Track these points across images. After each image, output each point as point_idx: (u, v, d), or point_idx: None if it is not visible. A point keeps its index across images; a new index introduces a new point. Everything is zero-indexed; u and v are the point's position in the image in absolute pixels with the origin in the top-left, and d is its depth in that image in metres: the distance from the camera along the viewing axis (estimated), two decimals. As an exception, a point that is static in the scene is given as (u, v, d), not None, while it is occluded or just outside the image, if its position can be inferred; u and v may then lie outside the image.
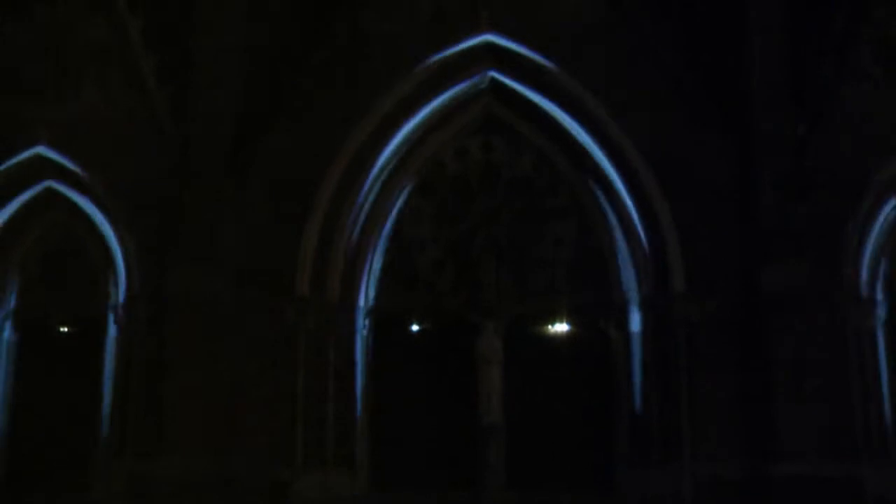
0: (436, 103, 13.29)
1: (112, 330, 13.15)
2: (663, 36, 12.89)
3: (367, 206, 13.37)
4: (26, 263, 13.88)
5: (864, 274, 12.77)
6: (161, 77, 12.97)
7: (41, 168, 13.43)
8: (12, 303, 13.85)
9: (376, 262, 13.54)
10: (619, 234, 13.19)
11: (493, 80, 13.39)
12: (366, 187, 13.28)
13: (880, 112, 12.66)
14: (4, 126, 13.21)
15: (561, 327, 13.45)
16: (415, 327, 13.58)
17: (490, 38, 13.02)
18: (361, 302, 13.38)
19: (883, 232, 12.96)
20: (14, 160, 13.33)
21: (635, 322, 12.99)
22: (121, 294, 13.10)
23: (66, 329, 13.76)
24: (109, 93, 13.13)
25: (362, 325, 13.35)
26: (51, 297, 13.70)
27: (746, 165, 12.50)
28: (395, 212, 13.64)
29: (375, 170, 13.27)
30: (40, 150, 13.23)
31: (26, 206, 13.73)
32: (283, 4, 13.41)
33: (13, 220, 13.74)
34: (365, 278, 13.43)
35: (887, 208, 12.90)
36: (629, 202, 13.00)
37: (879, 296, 12.92)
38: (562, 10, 12.98)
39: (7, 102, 13.28)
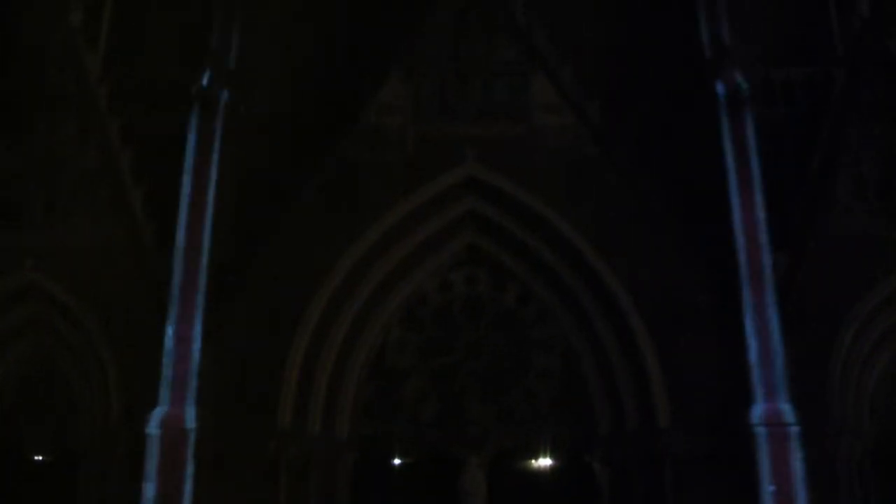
0: (420, 236, 13.37)
1: (88, 461, 12.84)
2: (646, 174, 13.12)
3: (350, 338, 13.29)
4: (3, 389, 13.60)
5: (850, 405, 12.72)
6: (148, 209, 13.11)
7: (26, 293, 13.35)
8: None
9: (359, 393, 13.38)
10: (602, 368, 13.13)
11: (477, 214, 13.51)
12: (349, 319, 13.24)
13: (859, 244, 12.84)
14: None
15: (545, 461, 13.27)
16: (397, 459, 13.35)
17: (474, 172, 13.21)
18: (344, 434, 13.18)
19: (866, 363, 12.97)
20: (0, 285, 13.26)
21: (620, 456, 12.84)
22: (100, 425, 12.84)
23: (40, 458, 13.41)
24: (97, 222, 13.16)
25: (344, 456, 13.14)
26: (27, 424, 13.39)
27: (729, 301, 12.56)
28: (378, 343, 13.57)
29: (359, 302, 13.26)
30: (27, 275, 13.16)
31: (8, 331, 13.56)
32: (274, 134, 13.70)
33: (-6, 344, 13.59)
34: (347, 410, 13.25)
35: (871, 339, 12.95)
36: (613, 337, 13.01)
37: (865, 426, 12.87)
38: (547, 147, 13.22)
39: (-5, 227, 13.34)
